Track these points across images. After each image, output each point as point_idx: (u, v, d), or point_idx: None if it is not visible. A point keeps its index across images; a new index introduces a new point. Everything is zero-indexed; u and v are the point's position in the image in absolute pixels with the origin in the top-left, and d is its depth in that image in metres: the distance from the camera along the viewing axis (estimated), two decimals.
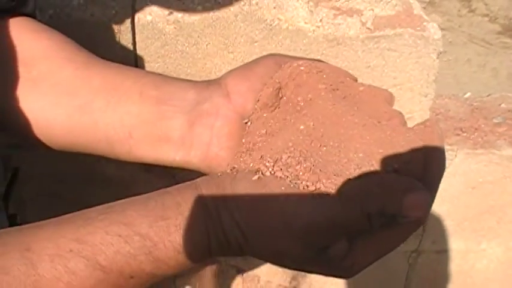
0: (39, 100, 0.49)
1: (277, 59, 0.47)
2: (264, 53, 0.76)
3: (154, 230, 0.37)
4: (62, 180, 0.88)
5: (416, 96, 0.84)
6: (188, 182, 0.40)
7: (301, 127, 0.39)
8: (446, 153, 0.92)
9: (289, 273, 1.02)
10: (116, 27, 0.77)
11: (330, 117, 0.40)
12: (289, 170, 0.37)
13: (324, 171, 0.37)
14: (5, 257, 0.35)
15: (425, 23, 0.80)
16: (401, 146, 0.38)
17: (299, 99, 0.42)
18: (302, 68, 0.43)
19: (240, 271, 1.00)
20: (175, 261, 0.37)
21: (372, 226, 0.37)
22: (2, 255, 0.35)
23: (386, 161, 0.38)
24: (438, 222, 0.99)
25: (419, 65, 0.81)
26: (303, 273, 0.99)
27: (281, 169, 0.37)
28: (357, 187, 0.36)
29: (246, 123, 0.44)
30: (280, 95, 0.43)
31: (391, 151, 0.38)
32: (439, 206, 0.97)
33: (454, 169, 0.92)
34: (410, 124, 0.43)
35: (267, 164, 0.38)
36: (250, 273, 1.01)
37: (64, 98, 0.49)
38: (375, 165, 0.37)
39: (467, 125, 0.95)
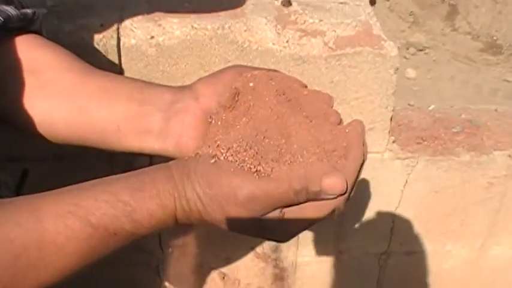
0: (45, 102, 0.60)
1: (239, 69, 0.57)
2: None
3: (133, 198, 0.47)
4: None
5: (377, 108, 0.92)
6: (162, 164, 0.52)
7: (250, 124, 0.51)
8: (407, 160, 0.99)
9: (268, 275, 1.08)
10: (103, 50, 0.85)
11: (274, 117, 0.51)
12: (238, 155, 0.48)
13: (264, 157, 0.48)
14: (18, 214, 0.45)
15: (382, 42, 0.89)
16: (328, 140, 0.50)
17: (251, 102, 0.53)
18: (256, 76, 0.55)
19: (221, 274, 1.07)
20: (149, 223, 0.48)
21: (298, 200, 0.48)
22: (15, 213, 0.45)
23: (314, 151, 0.49)
24: (405, 225, 1.06)
25: (378, 80, 0.90)
26: (281, 275, 1.06)
27: (232, 155, 0.49)
28: (287, 170, 0.48)
29: (210, 120, 0.54)
30: (237, 99, 0.54)
31: (318, 144, 0.50)
32: (405, 210, 1.04)
33: (416, 175, 1.00)
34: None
35: (222, 151, 0.49)
36: (231, 276, 1.07)
37: (66, 100, 0.60)
38: (305, 155, 0.49)
39: (428, 134, 1.02)
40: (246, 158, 0.48)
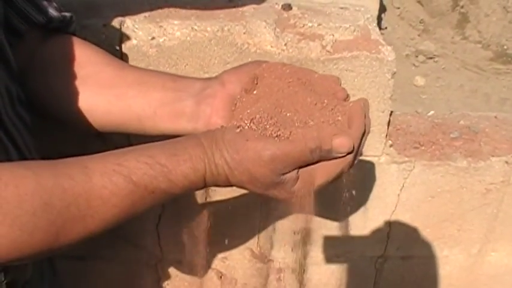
0: (86, 92, 0.68)
1: (259, 61, 0.66)
2: None
3: (169, 161, 0.54)
4: None
5: (374, 112, 0.93)
6: (192, 134, 0.60)
7: (269, 100, 0.59)
8: (404, 164, 1.00)
9: (264, 276, 1.09)
10: (105, 50, 0.86)
11: (289, 94, 0.60)
12: (260, 125, 0.56)
13: (283, 124, 0.57)
14: (70, 170, 0.51)
15: (380, 47, 0.90)
16: (335, 111, 0.59)
17: (269, 85, 0.61)
18: (272, 65, 0.64)
19: (219, 273, 1.08)
20: (182, 184, 0.55)
21: (313, 158, 0.56)
22: (67, 168, 0.51)
23: (324, 119, 0.58)
24: (402, 229, 1.06)
25: (375, 84, 0.91)
26: (278, 277, 1.07)
27: (254, 124, 0.57)
28: (303, 132, 0.56)
29: (235, 102, 0.62)
30: (256, 82, 0.62)
31: (327, 114, 0.59)
32: (402, 214, 1.05)
33: (413, 179, 1.01)
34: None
35: (246, 121, 0.57)
36: (229, 275, 1.08)
37: (105, 90, 0.68)
38: (316, 121, 0.58)
39: (425, 139, 1.03)
40: (268, 126, 0.56)
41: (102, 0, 0.92)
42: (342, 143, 0.56)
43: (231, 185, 0.58)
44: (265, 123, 0.56)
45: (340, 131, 0.57)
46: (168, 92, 0.66)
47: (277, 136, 0.56)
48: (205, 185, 0.57)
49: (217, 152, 0.56)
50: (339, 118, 0.58)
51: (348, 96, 0.62)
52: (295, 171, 0.57)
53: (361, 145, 0.59)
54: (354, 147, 0.56)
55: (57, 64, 0.68)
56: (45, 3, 0.68)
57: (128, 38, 0.86)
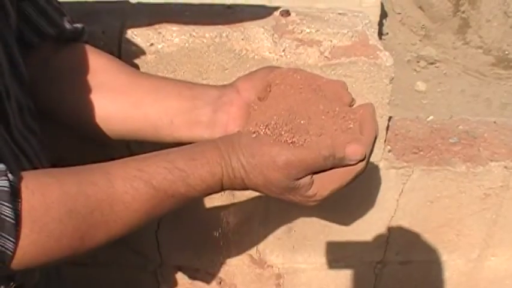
0: (102, 100, 0.68)
1: (272, 68, 0.67)
2: (233, 79, 0.88)
3: (187, 166, 0.56)
4: None
5: None
6: (210, 139, 0.61)
7: (283, 107, 0.61)
8: (403, 170, 1.01)
9: (263, 281, 1.10)
10: None
11: (302, 101, 0.61)
12: (275, 131, 0.58)
13: (297, 131, 0.58)
14: (92, 175, 0.53)
15: (378, 52, 0.90)
16: (347, 120, 0.61)
17: (282, 91, 0.63)
18: (283, 72, 0.65)
19: (218, 279, 1.08)
20: (200, 187, 0.57)
21: (326, 165, 0.58)
22: (89, 175, 0.53)
23: (337, 127, 0.60)
24: (401, 234, 1.06)
25: (373, 89, 0.91)
26: (277, 282, 1.07)
27: (270, 130, 0.58)
28: (317, 140, 0.58)
29: (250, 109, 0.64)
30: (269, 89, 0.63)
31: (340, 122, 0.60)
32: (401, 219, 1.05)
33: (412, 184, 1.01)
34: None
35: (261, 127, 0.59)
36: (228, 281, 1.08)
37: (121, 97, 0.68)
38: (330, 129, 0.59)
39: (424, 144, 1.03)
40: (283, 132, 0.58)
41: (101, 7, 0.92)
42: (355, 151, 0.58)
43: (247, 189, 0.60)
44: (280, 129, 0.58)
45: (353, 139, 0.59)
46: (184, 100, 0.67)
47: (291, 142, 0.57)
48: (222, 188, 0.59)
49: (233, 155, 0.57)
50: (351, 125, 0.60)
51: (353, 100, 0.64)
52: (309, 176, 0.58)
53: (372, 151, 0.61)
54: (365, 155, 0.58)
55: (71, 73, 0.69)
56: (57, 15, 0.69)
57: (127, 44, 0.87)
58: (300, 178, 0.58)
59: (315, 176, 0.59)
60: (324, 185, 0.59)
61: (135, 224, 0.55)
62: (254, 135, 0.58)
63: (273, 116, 0.60)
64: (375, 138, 0.61)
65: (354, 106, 0.64)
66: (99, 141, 0.73)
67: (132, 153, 0.78)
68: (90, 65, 0.69)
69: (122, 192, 0.53)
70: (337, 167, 0.59)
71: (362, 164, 0.59)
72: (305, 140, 0.58)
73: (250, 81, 0.66)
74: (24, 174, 0.50)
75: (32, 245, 0.48)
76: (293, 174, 0.57)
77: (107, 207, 0.52)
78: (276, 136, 0.58)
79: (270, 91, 0.63)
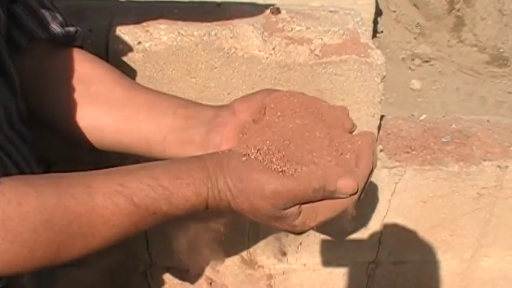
0: (95, 110, 0.67)
1: (269, 91, 0.66)
2: (223, 78, 0.86)
3: (172, 184, 0.54)
4: None
5: (364, 116, 0.92)
6: (198, 155, 0.59)
7: (278, 131, 0.59)
8: (395, 169, 0.99)
9: (254, 282, 1.08)
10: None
11: (299, 127, 0.60)
12: (266, 157, 0.56)
13: (289, 160, 0.56)
14: (73, 189, 0.51)
15: (369, 50, 0.89)
16: (343, 150, 0.59)
17: (278, 115, 0.61)
18: (280, 95, 0.63)
19: (208, 280, 1.07)
20: (183, 207, 0.55)
21: (316, 197, 0.56)
22: (70, 187, 0.51)
23: (331, 157, 0.58)
24: (393, 234, 1.05)
25: (364, 88, 0.90)
26: (268, 283, 1.06)
27: (261, 155, 0.56)
28: (308, 171, 0.56)
29: (243, 130, 0.62)
30: (263, 112, 0.62)
31: (335, 152, 0.58)
32: (393, 219, 1.04)
33: (404, 184, 1.00)
34: None
35: (252, 151, 0.57)
36: (219, 282, 1.07)
37: (115, 110, 0.67)
38: (323, 159, 0.57)
39: (417, 143, 1.02)
40: (274, 159, 0.56)
41: (89, 5, 0.91)
42: (346, 185, 0.56)
43: (233, 211, 0.58)
44: (272, 156, 0.56)
45: (346, 172, 0.57)
46: (179, 118, 0.66)
47: (281, 171, 0.55)
48: (207, 208, 0.58)
49: (221, 177, 0.56)
50: (347, 156, 0.58)
51: (354, 126, 0.63)
52: (297, 206, 0.57)
53: (367, 183, 0.59)
54: (358, 188, 0.56)
55: (65, 80, 0.68)
56: (48, 18, 0.67)
57: (114, 43, 0.85)
58: (288, 208, 0.56)
59: (303, 206, 0.57)
60: (312, 216, 0.58)
61: (113, 238, 0.54)
62: (244, 158, 0.57)
63: (266, 140, 0.58)
64: (371, 171, 0.59)
65: (354, 133, 0.63)
66: (90, 150, 0.71)
67: (123, 158, 0.77)
68: (85, 74, 0.68)
69: (101, 207, 0.52)
70: (328, 199, 0.57)
71: (354, 198, 0.57)
72: (295, 170, 0.56)
73: (247, 102, 0.66)
74: (2, 180, 0.49)
75: (4, 253, 0.48)
76: (280, 204, 0.55)
77: (85, 221, 0.51)
78: (266, 162, 0.56)
79: (264, 113, 0.62)
